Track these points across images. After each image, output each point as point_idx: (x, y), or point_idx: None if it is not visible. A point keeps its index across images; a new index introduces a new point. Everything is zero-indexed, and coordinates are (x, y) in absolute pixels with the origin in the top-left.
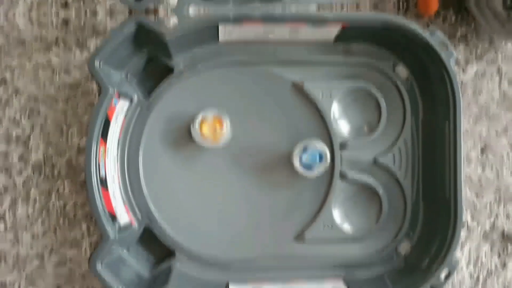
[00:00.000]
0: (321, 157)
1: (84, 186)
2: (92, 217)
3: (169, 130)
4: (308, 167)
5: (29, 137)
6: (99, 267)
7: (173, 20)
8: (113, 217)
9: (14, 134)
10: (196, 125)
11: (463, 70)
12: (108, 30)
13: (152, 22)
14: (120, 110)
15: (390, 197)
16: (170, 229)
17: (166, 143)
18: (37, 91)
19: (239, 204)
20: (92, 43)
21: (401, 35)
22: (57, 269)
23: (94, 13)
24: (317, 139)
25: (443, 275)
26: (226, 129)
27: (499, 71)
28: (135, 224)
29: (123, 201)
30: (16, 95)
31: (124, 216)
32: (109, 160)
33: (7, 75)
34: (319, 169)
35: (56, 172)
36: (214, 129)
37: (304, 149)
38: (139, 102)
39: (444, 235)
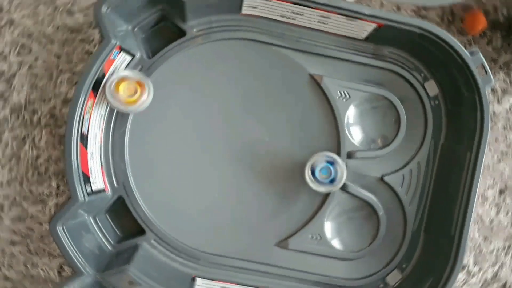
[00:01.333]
0: (332, 163)
1: (63, 140)
2: (64, 176)
3: (167, 99)
4: (321, 183)
5: (14, 75)
6: (59, 228)
7: None
8: (86, 178)
9: None
10: (112, 84)
11: (498, 101)
12: None
13: None
14: (118, 65)
15: (390, 221)
16: (144, 204)
17: (160, 112)
18: (33, 27)
19: (225, 195)
20: None
21: (438, 48)
22: (15, 223)
23: None
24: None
25: None
26: (146, 94)
27: None
28: (108, 191)
29: (101, 164)
30: (9, 27)
31: (98, 179)
32: (95, 117)
33: (4, 3)
34: (335, 187)
35: (35, 119)
36: (133, 91)
37: (317, 164)
38: (141, 60)
39: (439, 274)
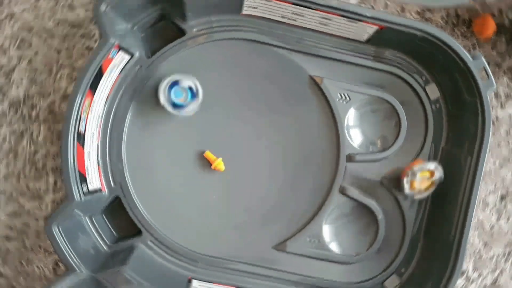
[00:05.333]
0: (192, 93)
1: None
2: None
3: None
4: (178, 105)
5: (13, 69)
6: (55, 228)
7: None
8: (82, 178)
9: None
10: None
11: (502, 105)
12: None
13: None
14: (116, 64)
15: (389, 225)
16: (141, 204)
17: (159, 111)
18: (34, 21)
19: (223, 197)
20: None
21: (440, 51)
22: (11, 219)
23: None
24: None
25: None
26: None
27: None
28: (105, 191)
29: (98, 164)
30: (10, 20)
31: (95, 179)
32: (92, 116)
33: None
34: (191, 107)
35: (34, 114)
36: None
37: (172, 85)
38: (140, 59)
39: (438, 279)
